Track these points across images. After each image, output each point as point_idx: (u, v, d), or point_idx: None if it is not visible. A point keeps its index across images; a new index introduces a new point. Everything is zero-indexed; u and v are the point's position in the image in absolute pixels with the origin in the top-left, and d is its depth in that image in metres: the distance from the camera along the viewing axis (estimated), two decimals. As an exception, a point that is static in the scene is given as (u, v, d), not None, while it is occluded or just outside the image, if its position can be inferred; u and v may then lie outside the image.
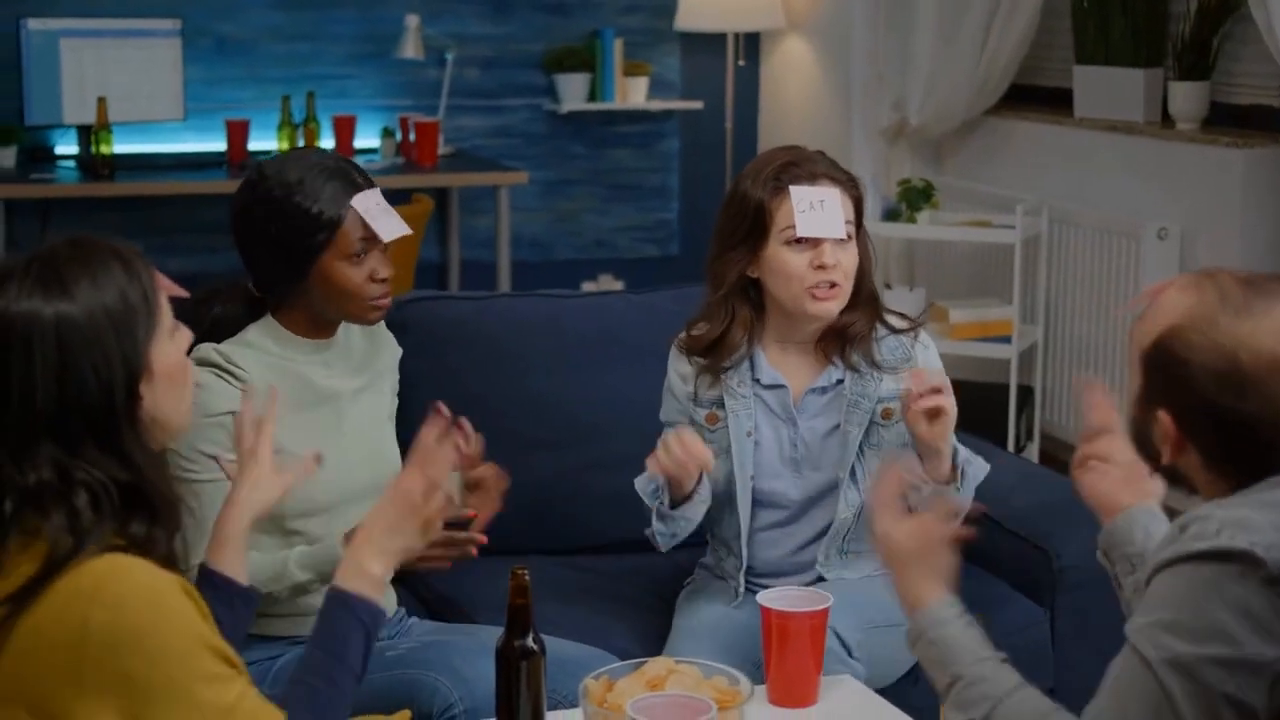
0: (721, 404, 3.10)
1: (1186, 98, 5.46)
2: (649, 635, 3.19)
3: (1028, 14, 6.13)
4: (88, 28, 6.43)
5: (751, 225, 3.04)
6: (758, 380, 3.11)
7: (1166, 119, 5.62)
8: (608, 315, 3.80)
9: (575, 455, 3.62)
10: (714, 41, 7.19)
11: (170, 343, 2.14)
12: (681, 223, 7.44)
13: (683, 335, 3.16)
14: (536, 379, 3.65)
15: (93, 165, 6.25)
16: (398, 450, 3.03)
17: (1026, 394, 5.86)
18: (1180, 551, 1.87)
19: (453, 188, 6.97)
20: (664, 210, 7.52)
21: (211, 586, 2.37)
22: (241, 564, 2.44)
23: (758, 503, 3.12)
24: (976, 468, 3.07)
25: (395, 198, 3.08)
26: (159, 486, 2.08)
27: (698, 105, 7.32)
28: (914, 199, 5.82)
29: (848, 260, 3.03)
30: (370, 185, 2.87)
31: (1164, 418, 1.97)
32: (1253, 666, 1.81)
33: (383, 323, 3.03)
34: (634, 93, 7.25)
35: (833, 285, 3.02)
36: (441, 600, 3.29)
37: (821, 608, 2.63)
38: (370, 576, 2.26)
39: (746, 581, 3.13)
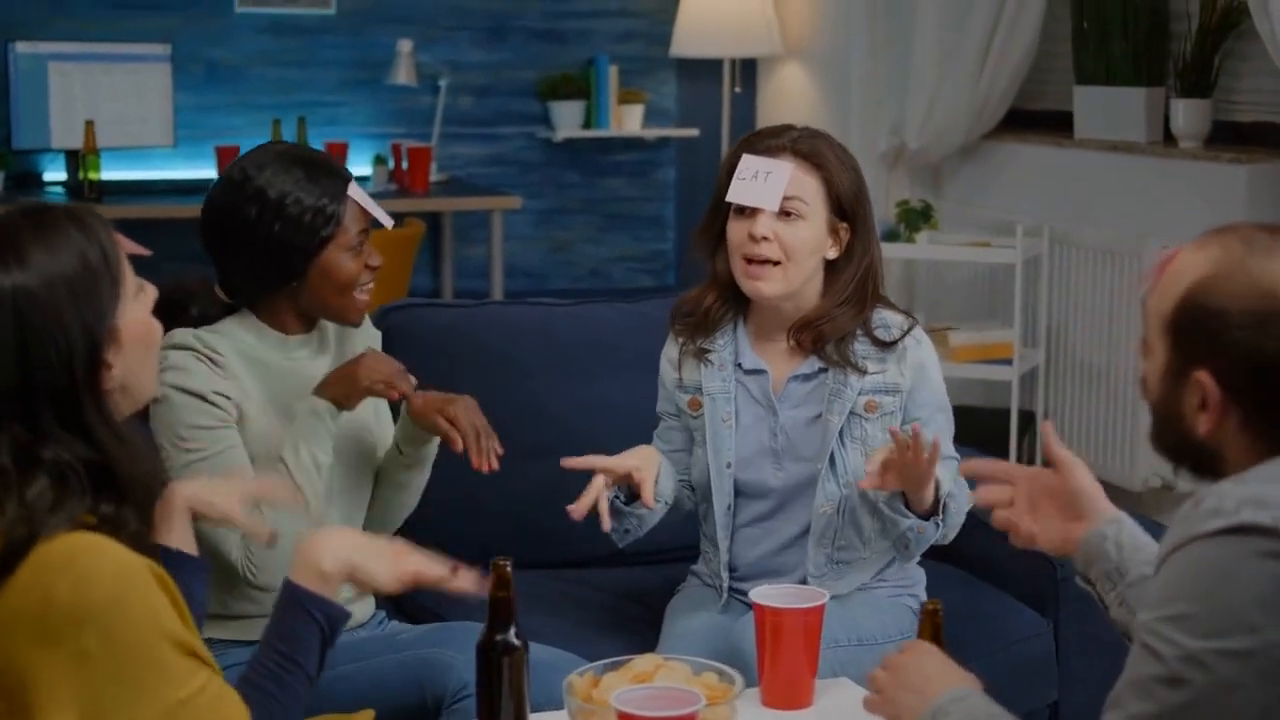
0: (702, 387, 3.03)
1: (1188, 116, 5.39)
2: (638, 647, 3.06)
3: (1026, 37, 6.07)
4: (77, 52, 6.37)
5: (719, 193, 2.99)
6: (739, 365, 3.03)
7: (1168, 138, 5.54)
8: (599, 324, 3.74)
9: (557, 464, 3.53)
10: (710, 68, 7.13)
11: (135, 303, 2.05)
12: (678, 253, 7.36)
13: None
14: (526, 387, 3.58)
15: (80, 191, 6.17)
16: (382, 444, 2.99)
17: (1028, 419, 5.77)
18: (1194, 532, 1.77)
19: (445, 214, 6.90)
20: (659, 240, 7.45)
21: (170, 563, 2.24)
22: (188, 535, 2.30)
23: (739, 494, 3.02)
24: (961, 500, 2.97)
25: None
26: (125, 463, 1.99)
27: (694, 133, 7.26)
28: (913, 220, 5.74)
29: (791, 237, 2.93)
30: (350, 175, 2.84)
31: (1204, 379, 1.86)
32: (1274, 656, 1.71)
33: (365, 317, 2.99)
34: (629, 120, 7.19)
35: (767, 262, 2.92)
36: (419, 607, 3.19)
37: (817, 604, 2.53)
38: (321, 573, 2.16)
39: (730, 583, 3.03)
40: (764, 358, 3.03)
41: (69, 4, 6.57)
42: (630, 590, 3.40)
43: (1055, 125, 6.08)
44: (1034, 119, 6.27)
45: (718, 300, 3.04)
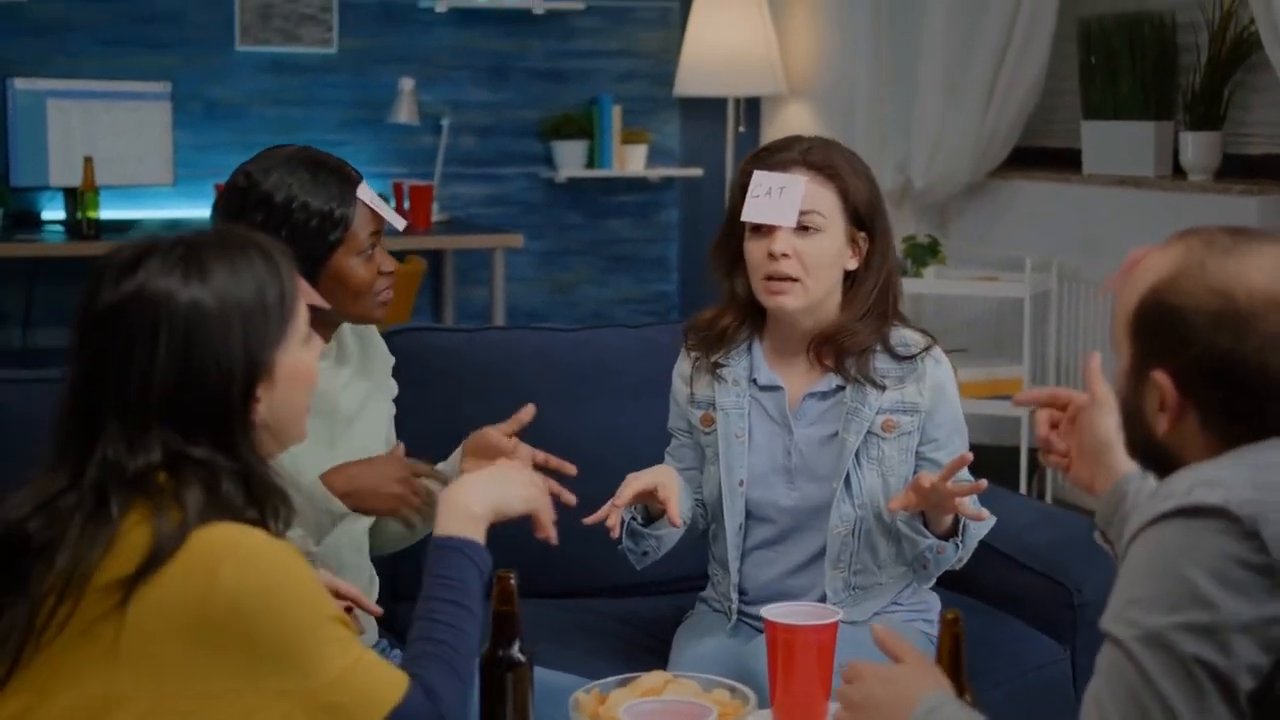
0: (715, 403, 2.96)
1: (1198, 149, 5.34)
2: (646, 671, 3.01)
3: (1032, 74, 6.04)
4: (76, 89, 6.32)
5: (733, 209, 2.92)
6: (754, 381, 2.96)
7: (1178, 172, 5.49)
8: (603, 349, 3.67)
9: (571, 491, 3.46)
10: (714, 107, 7.08)
11: (302, 349, 2.08)
12: (681, 295, 7.31)
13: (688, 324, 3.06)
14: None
15: (79, 229, 6.11)
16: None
17: (1037, 458, 5.70)
18: (1148, 516, 1.77)
19: (447, 253, 6.84)
20: (663, 282, 7.40)
21: None
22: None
23: (750, 514, 2.95)
24: (980, 524, 2.90)
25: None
26: (269, 483, 2.02)
27: (697, 172, 7.21)
28: (919, 255, 5.69)
29: (811, 252, 2.85)
30: (360, 176, 2.77)
31: (1161, 379, 1.86)
32: (1232, 629, 1.70)
33: (374, 327, 2.95)
34: (632, 160, 7.15)
35: (788, 278, 2.86)
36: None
37: (830, 621, 2.45)
38: (472, 516, 2.22)
39: (740, 605, 2.96)
40: (780, 374, 2.96)
41: (68, 42, 6.54)
42: (638, 619, 3.33)
43: (1062, 162, 6.04)
44: (1041, 156, 6.23)
45: (735, 320, 2.98)
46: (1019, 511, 3.52)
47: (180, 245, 2.01)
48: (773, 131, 7.20)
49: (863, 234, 2.91)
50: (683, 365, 3.04)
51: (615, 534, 2.80)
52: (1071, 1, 5.95)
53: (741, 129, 7.03)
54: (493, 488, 2.28)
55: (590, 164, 7.12)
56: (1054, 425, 2.31)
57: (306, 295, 2.11)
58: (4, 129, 6.24)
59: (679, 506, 2.83)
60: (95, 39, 6.58)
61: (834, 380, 2.93)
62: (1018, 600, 3.31)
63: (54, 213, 6.44)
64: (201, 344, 1.97)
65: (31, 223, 6.37)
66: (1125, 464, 2.19)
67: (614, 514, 2.78)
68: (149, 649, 1.90)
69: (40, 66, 6.41)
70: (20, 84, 6.22)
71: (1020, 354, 5.61)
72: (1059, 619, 3.25)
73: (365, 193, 2.75)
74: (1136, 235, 5.45)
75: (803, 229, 2.85)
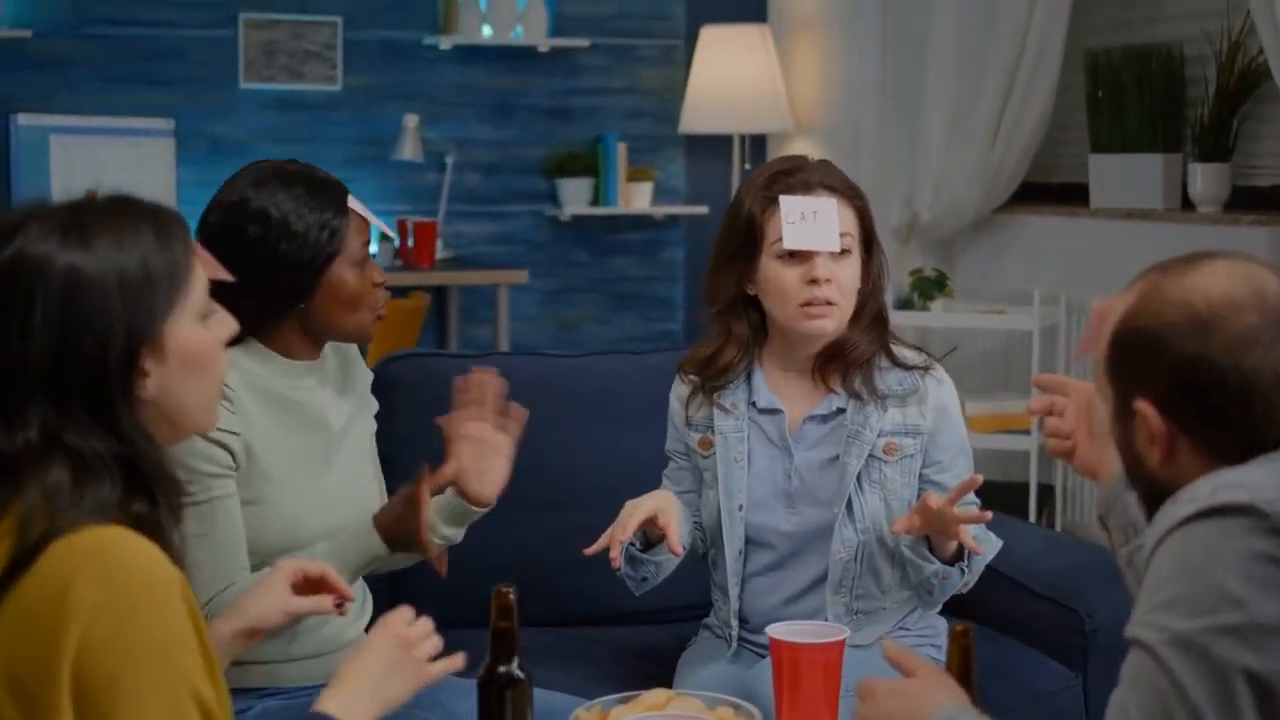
0: (714, 427, 2.91)
1: (1207, 181, 5.30)
2: (650, 703, 2.97)
3: (1038, 109, 6.01)
4: (79, 125, 6.28)
5: (744, 239, 2.86)
6: (754, 404, 2.91)
7: (1187, 204, 5.46)
8: (604, 375, 3.64)
9: (573, 518, 3.40)
10: (719, 144, 7.06)
11: (197, 325, 1.99)
12: (687, 334, 7.26)
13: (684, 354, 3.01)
14: (531, 438, 3.45)
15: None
16: (381, 485, 2.89)
17: (1047, 493, 5.65)
18: (1172, 520, 1.76)
19: (451, 290, 6.80)
20: (668, 320, 7.36)
21: None
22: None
23: (750, 539, 2.90)
24: (987, 548, 2.87)
25: (390, 294, 2.96)
26: (155, 463, 1.92)
27: (703, 210, 7.17)
28: (926, 288, 5.65)
29: (845, 275, 2.83)
30: (346, 187, 2.75)
31: (1144, 408, 1.87)
32: (1264, 629, 1.67)
33: (355, 350, 2.91)
34: (638, 198, 7.11)
35: (828, 303, 2.81)
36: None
37: (836, 639, 2.40)
38: (360, 713, 2.08)
39: (741, 632, 2.91)
40: (780, 397, 2.92)
41: (72, 78, 6.52)
42: (641, 647, 3.28)
43: (1070, 197, 6.00)
44: (1048, 192, 6.20)
45: (735, 354, 2.93)
46: (1028, 538, 3.48)
47: (63, 210, 1.93)
48: (778, 169, 7.18)
49: (865, 252, 2.89)
50: (679, 388, 3.00)
51: (616, 565, 2.75)
52: (1078, 34, 5.92)
53: (747, 166, 6.99)
54: (381, 685, 2.12)
55: (595, 201, 7.08)
56: (1057, 413, 2.34)
57: (210, 269, 2.03)
58: (7, 165, 6.21)
59: (678, 533, 2.79)
60: (99, 75, 6.57)
61: (835, 402, 2.89)
62: (1028, 627, 3.27)
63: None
64: (77, 311, 1.88)
65: (33, 259, 6.34)
66: None
67: (615, 545, 2.73)
68: (14, 668, 1.79)
69: (44, 102, 6.39)
70: (24, 120, 6.18)
71: (1028, 388, 5.55)
72: (1070, 645, 3.20)
73: (355, 203, 2.74)
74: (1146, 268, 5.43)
75: (841, 252, 2.82)
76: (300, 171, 2.71)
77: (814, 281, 2.80)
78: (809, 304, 2.82)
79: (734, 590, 2.91)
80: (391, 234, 2.86)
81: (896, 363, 2.89)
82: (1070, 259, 5.85)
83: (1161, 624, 1.71)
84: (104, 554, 1.81)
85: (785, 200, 2.81)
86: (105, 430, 1.89)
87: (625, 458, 3.41)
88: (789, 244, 2.80)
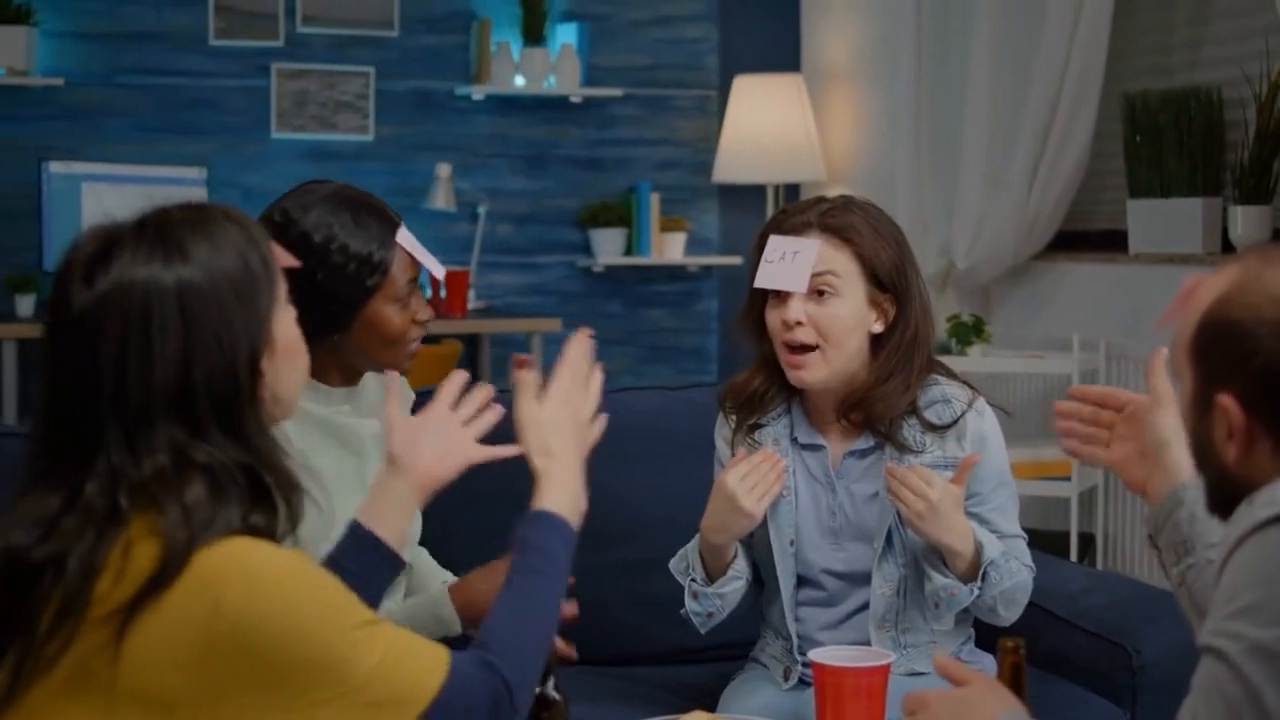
0: None
1: (1248, 223, 5.24)
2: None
3: (1075, 155, 5.95)
4: (111, 173, 6.28)
5: (753, 276, 2.84)
6: (795, 440, 2.86)
7: (1228, 248, 5.39)
8: (645, 410, 3.59)
9: (611, 555, 3.36)
10: (753, 194, 7.03)
11: (288, 314, 1.96)
12: (721, 387, 7.21)
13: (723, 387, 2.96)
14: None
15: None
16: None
17: (1088, 542, 5.57)
18: (1248, 525, 1.69)
19: (483, 336, 6.76)
20: (702, 373, 7.31)
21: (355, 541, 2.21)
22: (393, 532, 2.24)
23: (799, 574, 2.86)
24: (1006, 571, 2.78)
25: (423, 341, 2.91)
26: (281, 472, 1.89)
27: (736, 261, 7.12)
28: (964, 334, 5.59)
29: (827, 318, 2.76)
30: (400, 218, 2.65)
31: (1226, 402, 1.77)
32: None
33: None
34: (671, 248, 7.08)
35: (805, 348, 2.76)
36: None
37: (881, 664, 2.34)
38: (575, 495, 2.18)
39: (801, 664, 2.84)
40: (820, 432, 2.87)
41: (104, 126, 6.53)
42: (683, 686, 3.21)
43: (1107, 244, 5.94)
44: (1086, 239, 6.14)
45: (766, 382, 2.89)
46: (1072, 577, 3.41)
47: (149, 229, 1.88)
48: (813, 219, 7.14)
49: (887, 296, 2.81)
50: (723, 428, 2.96)
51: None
52: (1114, 80, 5.88)
53: (781, 216, 6.96)
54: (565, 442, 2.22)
55: (628, 252, 7.05)
56: (1097, 423, 2.29)
57: (280, 257, 1.99)
58: (39, 212, 6.20)
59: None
60: (132, 124, 6.57)
61: (873, 438, 2.83)
62: (1075, 664, 3.19)
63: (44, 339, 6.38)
64: (199, 325, 1.85)
65: (65, 308, 6.32)
66: (1184, 466, 2.13)
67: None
68: (153, 684, 1.78)
69: (76, 150, 6.40)
70: (56, 167, 6.19)
71: (1068, 435, 5.48)
72: (1118, 682, 3.12)
73: (405, 237, 2.64)
74: (1186, 313, 5.37)
75: (818, 293, 2.76)
76: (351, 198, 2.64)
77: (785, 324, 2.76)
78: (788, 348, 2.78)
79: (792, 627, 2.86)
80: (440, 275, 2.78)
81: (927, 425, 2.82)
82: (1109, 305, 5.78)
83: (1237, 631, 1.64)
84: (244, 563, 1.81)
85: (772, 239, 2.78)
86: (233, 440, 1.86)
87: (664, 493, 3.36)
88: (757, 282, 2.78)
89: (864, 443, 2.84)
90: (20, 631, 1.80)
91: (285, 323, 1.95)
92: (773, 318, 2.79)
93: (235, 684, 1.79)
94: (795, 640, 2.85)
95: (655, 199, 7.03)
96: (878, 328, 2.81)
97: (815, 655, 2.38)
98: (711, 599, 2.82)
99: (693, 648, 3.27)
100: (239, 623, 1.77)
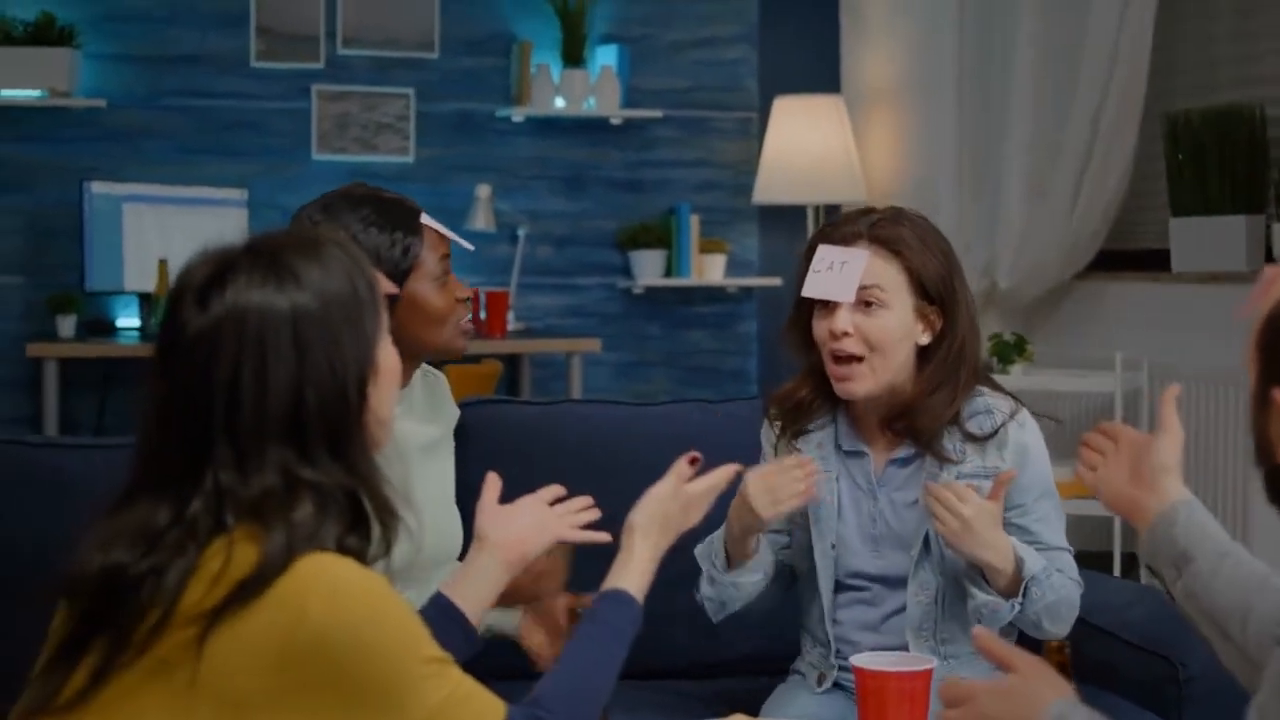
0: None
1: (1292, 240, 5.22)
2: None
3: (1117, 174, 5.94)
4: (152, 194, 6.30)
5: (800, 287, 2.82)
6: (839, 446, 2.85)
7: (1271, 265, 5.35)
8: (684, 424, 3.55)
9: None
10: (793, 216, 7.01)
11: (388, 339, 1.97)
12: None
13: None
14: (607, 488, 3.38)
15: (153, 335, 6.06)
16: (460, 523, 2.82)
17: (1131, 562, 5.53)
18: None
19: (523, 358, 6.76)
20: (742, 395, 7.25)
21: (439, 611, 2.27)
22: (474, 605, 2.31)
23: (839, 580, 2.83)
24: (1049, 586, 2.75)
25: (463, 361, 2.94)
26: (381, 498, 1.91)
27: (776, 282, 7.10)
28: (1006, 352, 5.57)
29: (874, 329, 2.75)
30: (420, 206, 2.72)
31: None
32: None
33: (444, 379, 2.87)
34: (711, 270, 7.06)
35: (852, 358, 2.76)
36: None
37: (924, 668, 2.32)
38: (645, 571, 2.30)
39: (838, 668, 2.82)
40: (864, 440, 2.86)
41: (145, 148, 6.56)
42: (723, 700, 3.18)
43: (1150, 263, 5.91)
44: (1128, 259, 6.11)
45: (813, 392, 2.87)
46: (1117, 591, 3.38)
47: (261, 254, 1.89)
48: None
49: (934, 308, 2.79)
50: (768, 432, 2.95)
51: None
52: (1155, 99, 5.85)
53: (821, 238, 6.94)
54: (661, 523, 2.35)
55: (668, 273, 7.04)
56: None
57: (383, 285, 2.02)
58: (80, 232, 6.21)
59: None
60: (173, 145, 6.60)
61: (914, 446, 2.82)
62: (1121, 677, 3.16)
63: (129, 319, 6.42)
64: (312, 349, 1.86)
65: (106, 328, 6.35)
66: (1177, 490, 2.12)
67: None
68: (230, 684, 1.79)
69: (117, 171, 6.43)
70: (97, 187, 6.21)
71: (1111, 455, 5.45)
72: (1165, 695, 3.08)
73: (428, 219, 2.72)
74: (1230, 331, 5.32)
75: (865, 304, 2.75)
76: (367, 194, 2.70)
77: (833, 334, 2.76)
78: (835, 358, 2.78)
79: (830, 630, 2.84)
80: (469, 246, 2.83)
81: (968, 436, 2.80)
82: (1152, 324, 5.76)
83: None
84: (330, 577, 1.81)
85: (820, 249, 2.77)
86: (339, 464, 1.88)
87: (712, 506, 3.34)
88: (805, 291, 2.78)
89: (905, 451, 2.83)
90: (109, 632, 1.82)
91: (387, 347, 1.97)
92: (820, 328, 2.79)
93: (306, 693, 1.79)
94: (832, 645, 2.83)
95: (695, 220, 7.02)
96: (925, 340, 2.80)
97: (857, 660, 2.36)
98: (726, 587, 2.81)
99: (731, 660, 3.25)
100: (320, 632, 1.78)
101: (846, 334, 2.74)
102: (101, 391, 6.26)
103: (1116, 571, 5.38)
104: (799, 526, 2.87)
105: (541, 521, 2.36)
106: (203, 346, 1.85)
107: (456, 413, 2.92)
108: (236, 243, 1.92)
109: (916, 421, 2.79)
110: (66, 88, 6.29)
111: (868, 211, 2.85)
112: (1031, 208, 6.11)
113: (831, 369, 2.78)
